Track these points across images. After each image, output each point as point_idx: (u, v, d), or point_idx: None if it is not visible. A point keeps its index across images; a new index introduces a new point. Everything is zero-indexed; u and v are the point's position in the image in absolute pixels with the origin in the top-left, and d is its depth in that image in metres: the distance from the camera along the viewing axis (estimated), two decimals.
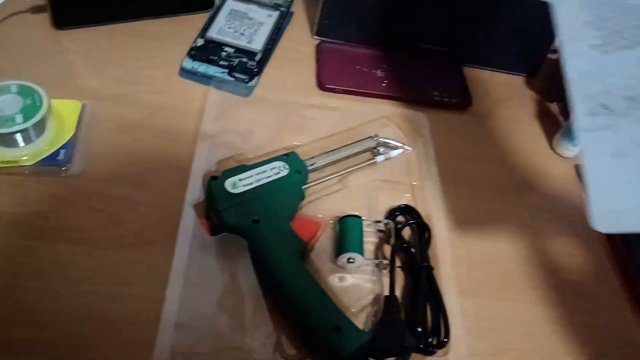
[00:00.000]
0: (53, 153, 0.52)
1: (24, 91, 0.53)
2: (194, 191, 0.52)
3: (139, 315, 0.44)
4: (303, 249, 0.50)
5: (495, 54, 0.79)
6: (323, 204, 0.57)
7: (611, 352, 0.52)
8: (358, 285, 0.51)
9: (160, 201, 0.52)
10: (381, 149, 0.62)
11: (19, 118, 0.51)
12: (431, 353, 0.47)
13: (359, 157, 0.62)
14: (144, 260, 0.48)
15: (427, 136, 0.65)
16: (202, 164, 0.55)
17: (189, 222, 0.50)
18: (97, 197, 0.52)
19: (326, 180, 0.58)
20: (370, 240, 0.55)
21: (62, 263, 0.47)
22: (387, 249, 0.54)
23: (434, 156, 0.63)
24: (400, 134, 0.66)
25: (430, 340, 0.48)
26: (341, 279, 0.51)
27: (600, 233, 0.60)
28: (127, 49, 0.67)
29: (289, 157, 0.55)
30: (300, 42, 0.76)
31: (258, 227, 0.49)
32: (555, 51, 0.81)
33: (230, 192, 0.51)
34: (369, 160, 0.61)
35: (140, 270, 0.47)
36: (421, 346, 0.47)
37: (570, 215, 0.63)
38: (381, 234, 0.56)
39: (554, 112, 0.77)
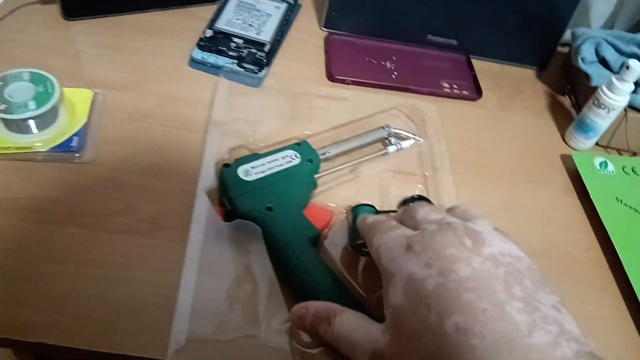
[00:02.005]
0: (66, 140, 0.52)
1: (36, 79, 0.53)
2: (207, 178, 0.52)
3: (154, 300, 0.44)
4: (316, 237, 0.50)
5: (505, 46, 0.79)
6: (335, 194, 0.56)
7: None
8: (373, 274, 0.51)
9: (173, 188, 0.52)
10: (392, 140, 0.62)
11: (31, 105, 0.50)
12: None
13: (370, 148, 0.61)
14: (159, 246, 0.48)
15: (438, 127, 0.65)
16: (214, 152, 0.55)
17: (203, 208, 0.49)
18: (110, 184, 0.51)
19: (338, 169, 0.58)
20: None
21: (77, 247, 0.46)
22: None
23: (446, 147, 0.63)
24: (411, 125, 0.66)
25: None
26: (355, 268, 0.51)
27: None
28: (135, 40, 0.67)
29: (300, 146, 0.55)
30: (309, 34, 0.76)
31: (272, 215, 0.48)
32: (565, 44, 0.81)
33: (242, 180, 0.50)
34: (381, 150, 0.61)
35: (155, 256, 0.47)
36: None
37: (583, 206, 0.63)
38: None
39: (566, 105, 0.77)
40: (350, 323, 0.39)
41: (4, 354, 0.61)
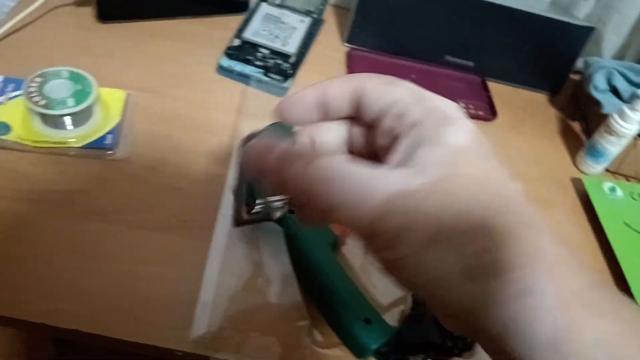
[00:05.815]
0: (100, 137, 0.54)
1: (74, 77, 0.55)
2: (234, 179, 0.54)
3: (178, 295, 0.46)
4: (335, 242, 0.51)
5: (520, 71, 0.82)
6: None
7: None
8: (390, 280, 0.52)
9: (201, 188, 0.54)
10: None
11: (70, 102, 0.52)
12: (458, 354, 0.46)
13: None
14: (184, 243, 0.49)
15: None
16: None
17: (228, 208, 0.51)
18: (140, 181, 0.53)
19: None
20: None
21: (106, 242, 0.48)
22: None
23: None
24: None
25: (457, 341, 0.46)
26: (373, 274, 0.52)
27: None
28: (166, 45, 0.70)
29: None
30: (331, 48, 0.78)
31: (294, 217, 0.50)
32: (577, 72, 0.83)
33: None
34: None
35: (180, 253, 0.49)
36: (448, 345, 0.46)
37: (592, 230, 0.65)
38: None
39: (576, 130, 0.79)
40: (348, 162, 0.25)
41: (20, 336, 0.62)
